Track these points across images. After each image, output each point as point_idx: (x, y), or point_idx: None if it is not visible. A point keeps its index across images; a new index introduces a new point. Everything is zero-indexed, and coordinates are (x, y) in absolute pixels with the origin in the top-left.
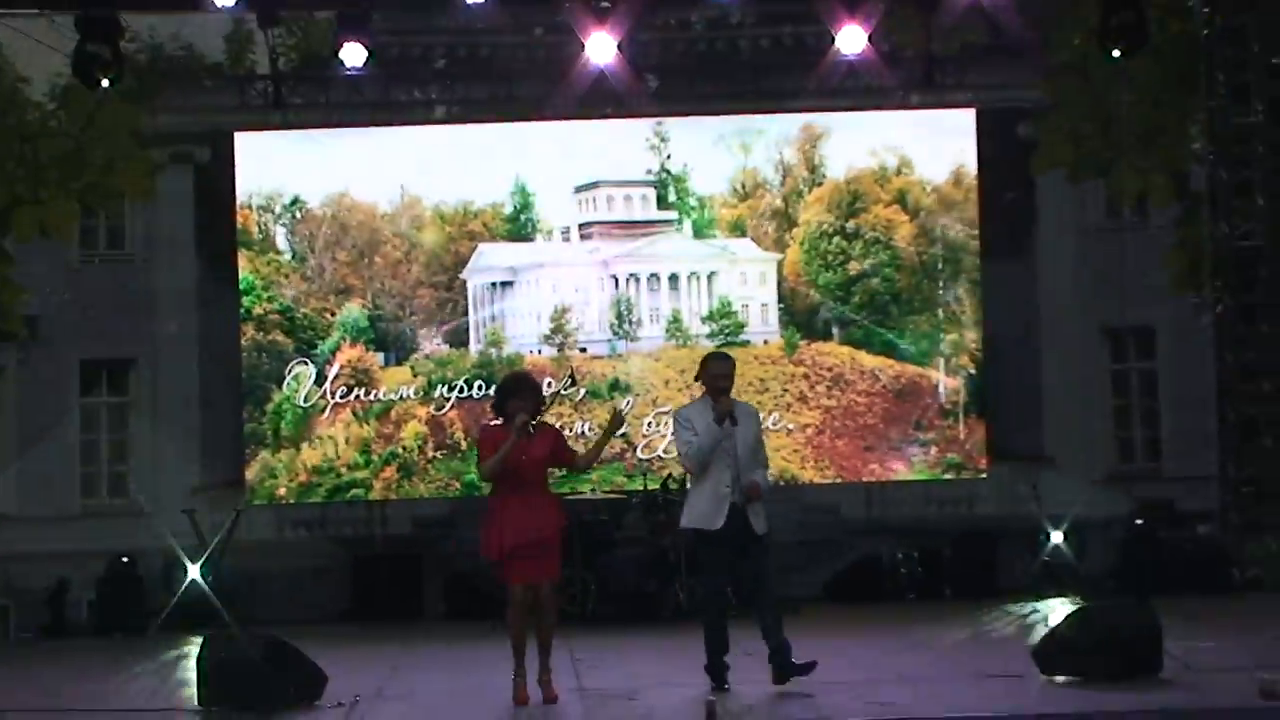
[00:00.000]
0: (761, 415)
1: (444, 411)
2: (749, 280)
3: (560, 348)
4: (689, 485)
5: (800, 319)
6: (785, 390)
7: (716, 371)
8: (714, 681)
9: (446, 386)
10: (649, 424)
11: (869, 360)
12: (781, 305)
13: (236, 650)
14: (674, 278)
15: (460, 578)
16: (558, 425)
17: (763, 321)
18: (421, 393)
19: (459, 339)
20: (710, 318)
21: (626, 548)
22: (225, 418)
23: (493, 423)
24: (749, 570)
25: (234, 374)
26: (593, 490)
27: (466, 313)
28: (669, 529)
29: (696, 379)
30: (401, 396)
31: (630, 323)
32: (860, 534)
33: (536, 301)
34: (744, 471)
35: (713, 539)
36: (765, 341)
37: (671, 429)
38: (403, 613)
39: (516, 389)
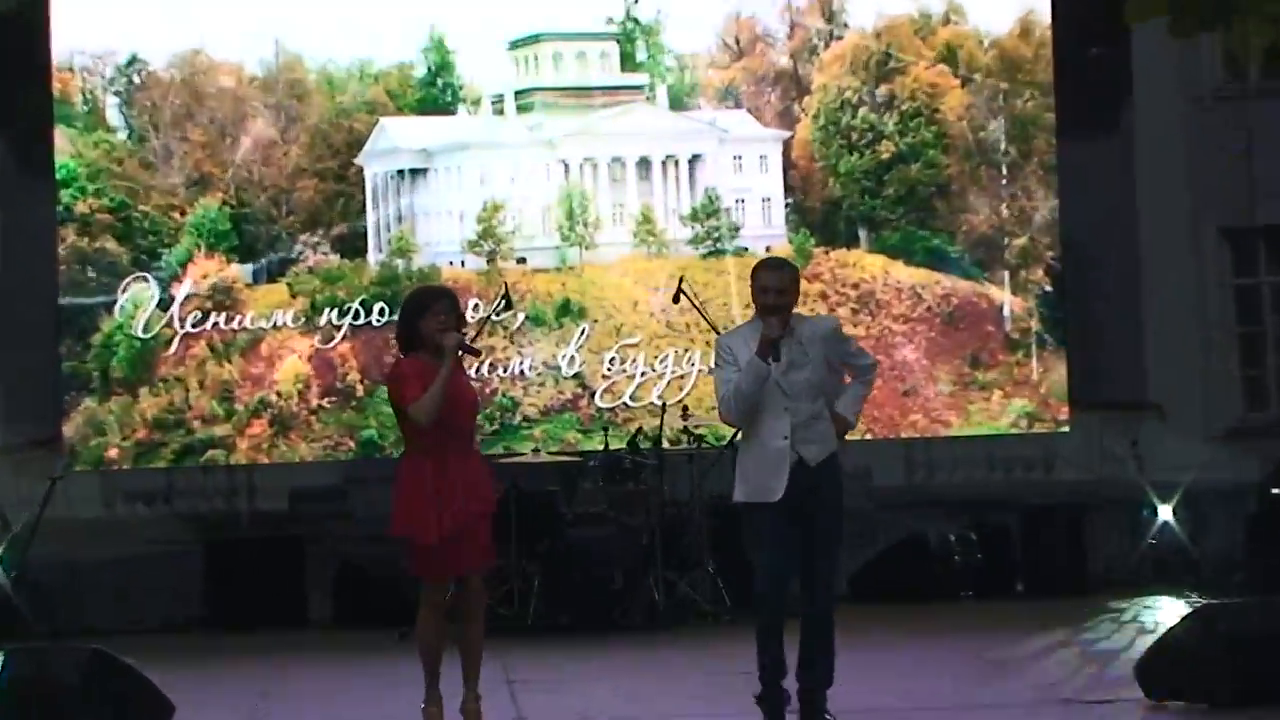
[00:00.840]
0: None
1: (333, 345)
2: (745, 166)
3: (490, 258)
4: (739, 441)
5: (815, 219)
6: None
7: (765, 284)
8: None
9: (337, 311)
10: (611, 361)
11: (908, 274)
12: (789, 201)
13: (48, 669)
14: (644, 163)
15: (354, 569)
16: (488, 361)
17: (764, 222)
18: (303, 319)
19: (353, 247)
20: (693, 217)
21: (583, 529)
22: (36, 353)
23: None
24: (810, 555)
25: (48, 294)
26: (535, 451)
27: (363, 211)
28: (639, 503)
29: (673, 294)
30: (275, 325)
31: (585, 224)
32: (899, 509)
33: (458, 196)
34: (806, 417)
35: (771, 514)
36: (767, 249)
37: (714, 361)
38: (277, 617)
39: (427, 304)
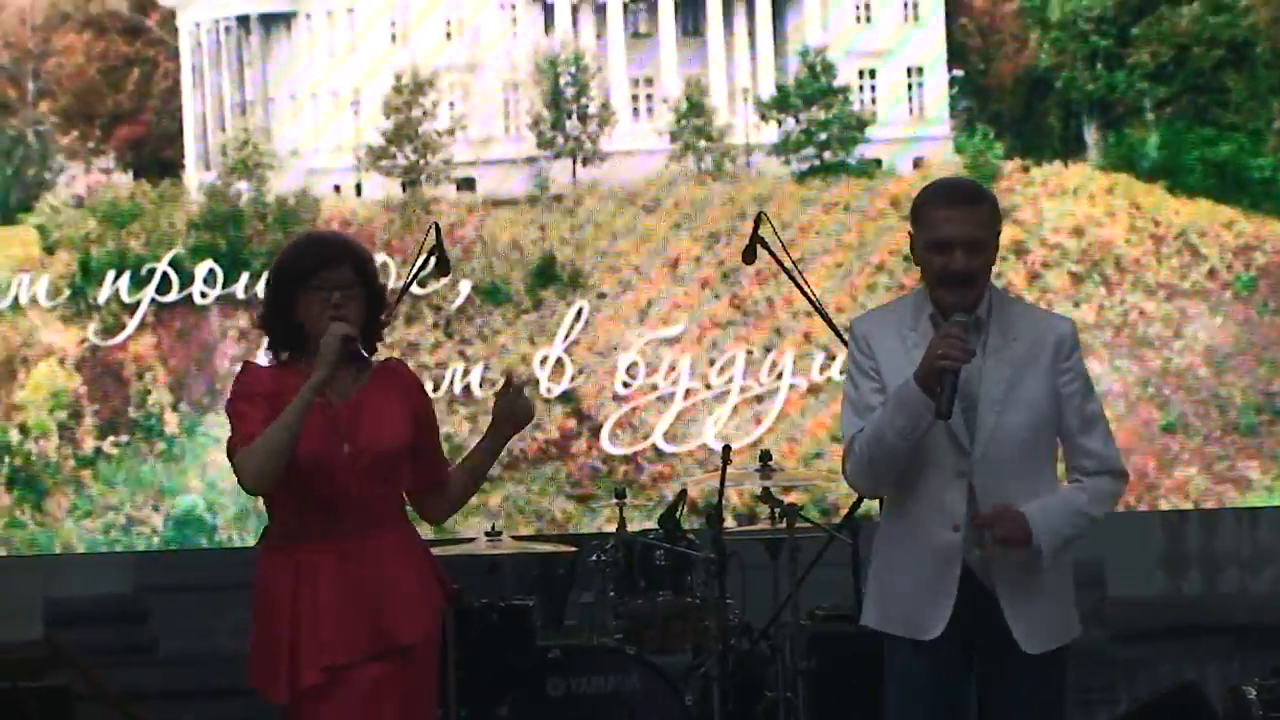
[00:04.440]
0: None
1: (122, 339)
2: (877, 11)
3: (410, 179)
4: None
5: (1004, 108)
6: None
7: (945, 233)
8: None
9: (129, 277)
10: (630, 369)
11: (1176, 210)
12: (958, 74)
13: None
14: (690, 3)
15: None
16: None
17: (912, 113)
18: (67, 291)
19: (158, 160)
20: (781, 102)
21: (578, 675)
22: None
23: (260, 360)
24: None
25: None
26: (492, 534)
27: (176, 93)
28: (681, 630)
29: (745, 246)
30: (16, 302)
31: (582, 117)
32: (1156, 640)
33: (349, 65)
34: (998, 487)
35: (922, 661)
36: (918, 162)
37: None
38: None
39: (309, 266)
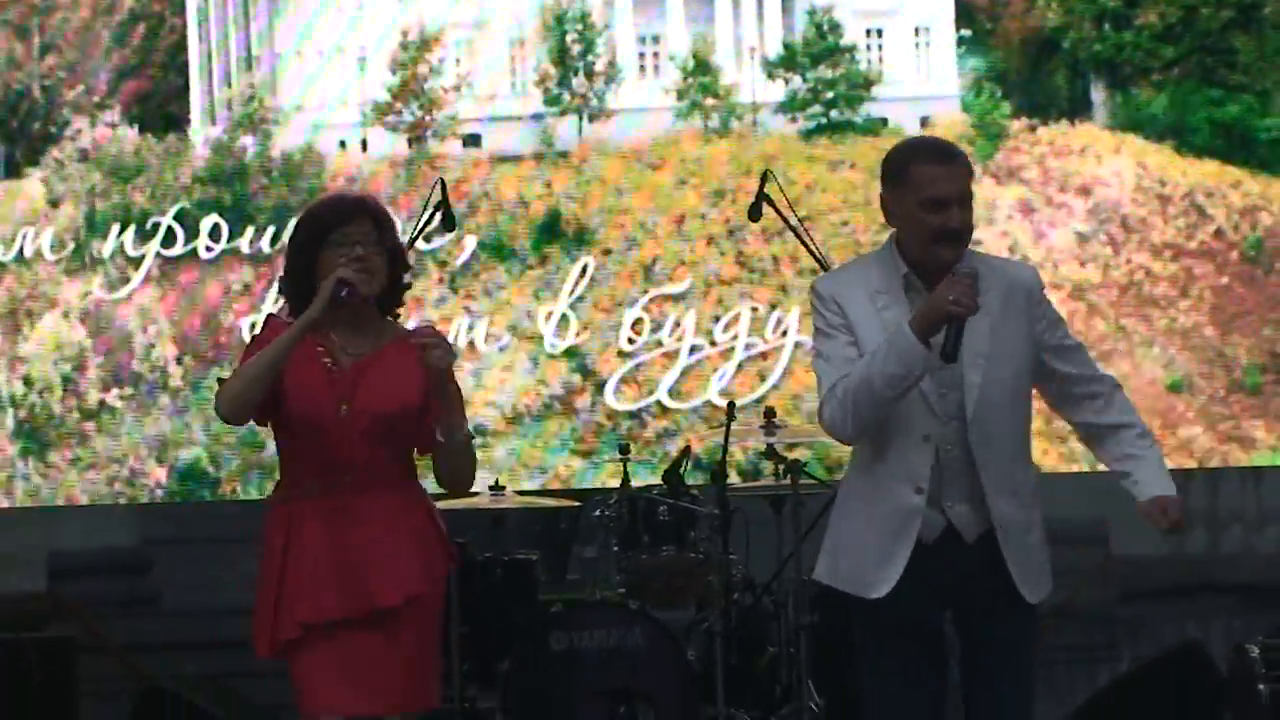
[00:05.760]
0: None
1: (128, 293)
2: None
3: (415, 135)
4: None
5: (1011, 67)
6: (976, 243)
7: (937, 191)
8: None
9: (134, 231)
10: (635, 326)
11: (1184, 170)
12: (965, 34)
13: None
14: None
15: (165, 698)
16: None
17: (919, 72)
18: (72, 246)
19: (164, 114)
20: (787, 61)
21: (580, 630)
22: None
23: (279, 313)
24: (976, 698)
25: None
26: (495, 488)
27: (183, 48)
28: (685, 585)
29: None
30: (22, 255)
31: (588, 73)
32: (1161, 598)
33: (354, 20)
34: (992, 439)
35: (884, 621)
36: (924, 120)
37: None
38: None
39: (330, 224)
